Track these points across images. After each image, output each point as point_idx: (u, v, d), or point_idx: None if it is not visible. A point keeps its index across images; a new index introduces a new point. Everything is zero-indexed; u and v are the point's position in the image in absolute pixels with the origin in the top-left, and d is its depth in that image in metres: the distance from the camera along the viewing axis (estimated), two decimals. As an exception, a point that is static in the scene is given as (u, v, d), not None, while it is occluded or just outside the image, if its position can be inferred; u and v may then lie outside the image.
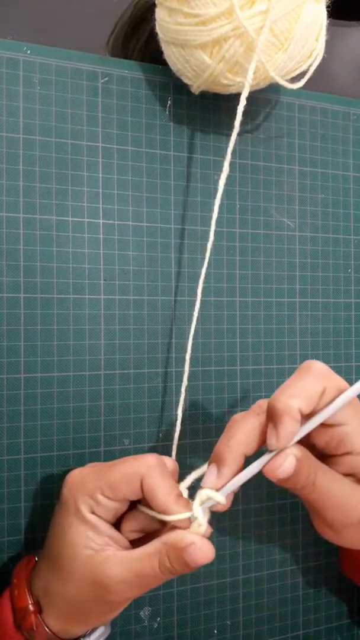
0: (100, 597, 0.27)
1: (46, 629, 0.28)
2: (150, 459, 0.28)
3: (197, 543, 0.26)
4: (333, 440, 0.27)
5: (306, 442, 0.28)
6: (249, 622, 0.40)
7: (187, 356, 0.34)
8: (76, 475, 0.29)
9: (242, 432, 0.27)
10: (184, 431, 0.38)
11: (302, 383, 0.26)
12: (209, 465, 0.28)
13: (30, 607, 0.29)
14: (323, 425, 0.27)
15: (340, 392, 0.26)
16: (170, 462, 0.30)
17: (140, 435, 0.38)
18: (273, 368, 0.41)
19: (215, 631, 0.39)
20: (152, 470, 0.28)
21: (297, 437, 0.26)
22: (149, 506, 0.28)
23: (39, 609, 0.29)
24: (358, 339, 0.44)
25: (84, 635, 0.30)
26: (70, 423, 0.36)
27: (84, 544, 0.28)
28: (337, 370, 0.43)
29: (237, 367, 0.40)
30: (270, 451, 0.26)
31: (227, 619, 0.39)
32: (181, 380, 0.39)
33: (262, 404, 0.28)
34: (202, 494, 0.27)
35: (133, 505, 0.30)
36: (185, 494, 0.29)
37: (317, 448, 0.28)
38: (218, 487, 0.27)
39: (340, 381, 0.27)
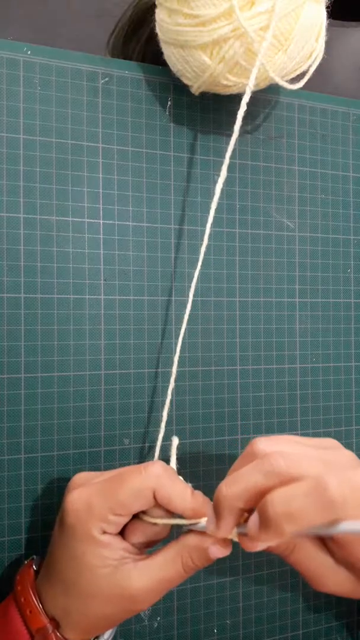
0: (127, 608, 0.28)
1: None
2: (157, 468, 0.28)
3: (217, 542, 0.28)
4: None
5: None
6: (249, 621, 0.40)
7: (176, 356, 0.34)
8: (79, 501, 0.28)
9: (242, 486, 0.25)
10: (183, 431, 0.39)
11: (247, 475, 0.25)
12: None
13: (49, 627, 0.28)
14: None
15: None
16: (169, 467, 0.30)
17: (140, 435, 0.38)
18: (273, 368, 0.41)
19: (215, 630, 0.39)
20: (162, 479, 0.28)
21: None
22: (152, 515, 0.29)
23: (56, 625, 0.28)
24: (358, 339, 0.44)
25: (97, 637, 0.31)
26: (70, 423, 0.36)
27: (102, 564, 0.27)
28: (337, 370, 0.43)
29: (237, 367, 0.40)
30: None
31: (227, 618, 0.39)
32: (181, 380, 0.39)
33: (260, 449, 0.26)
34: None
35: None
36: None
37: None
38: (218, 536, 0.27)
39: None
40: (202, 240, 0.40)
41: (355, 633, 0.43)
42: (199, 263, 0.34)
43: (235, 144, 0.31)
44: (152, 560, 0.28)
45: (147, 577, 0.27)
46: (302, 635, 0.41)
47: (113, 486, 0.28)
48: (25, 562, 0.32)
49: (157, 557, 0.28)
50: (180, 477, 0.29)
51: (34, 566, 0.31)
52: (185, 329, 0.39)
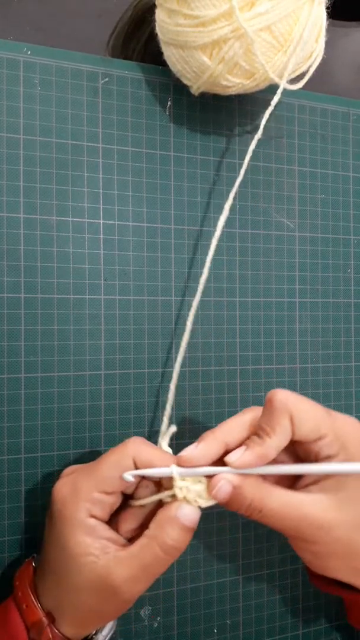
0: (112, 599, 0.28)
1: (61, 636, 0.28)
2: (134, 438, 0.29)
3: (183, 504, 0.28)
4: (312, 451, 0.28)
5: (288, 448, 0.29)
6: (249, 621, 0.40)
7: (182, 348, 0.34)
8: (64, 487, 0.29)
9: (227, 423, 0.29)
10: (183, 431, 0.39)
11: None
12: None
13: (44, 620, 0.28)
14: (301, 443, 0.28)
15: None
16: None
17: (140, 435, 0.38)
18: (273, 368, 0.41)
19: (215, 630, 0.39)
20: (139, 446, 0.29)
21: (266, 472, 0.27)
22: (140, 498, 0.29)
23: (52, 619, 0.29)
24: (358, 339, 0.44)
25: (95, 633, 0.31)
26: (70, 423, 0.36)
27: (85, 552, 0.27)
28: (337, 370, 0.44)
29: (237, 367, 0.40)
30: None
31: (227, 618, 0.39)
32: (182, 380, 0.39)
33: (253, 407, 0.30)
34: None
35: (123, 507, 0.30)
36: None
37: (297, 454, 0.29)
38: (193, 455, 0.28)
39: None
40: (202, 240, 0.40)
41: (355, 633, 0.43)
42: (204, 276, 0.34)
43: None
44: (129, 548, 0.28)
45: (127, 566, 0.27)
46: (302, 635, 0.41)
47: (95, 465, 0.29)
48: (26, 560, 0.32)
49: (134, 545, 0.28)
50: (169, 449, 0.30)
51: (33, 563, 0.32)
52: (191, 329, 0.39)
